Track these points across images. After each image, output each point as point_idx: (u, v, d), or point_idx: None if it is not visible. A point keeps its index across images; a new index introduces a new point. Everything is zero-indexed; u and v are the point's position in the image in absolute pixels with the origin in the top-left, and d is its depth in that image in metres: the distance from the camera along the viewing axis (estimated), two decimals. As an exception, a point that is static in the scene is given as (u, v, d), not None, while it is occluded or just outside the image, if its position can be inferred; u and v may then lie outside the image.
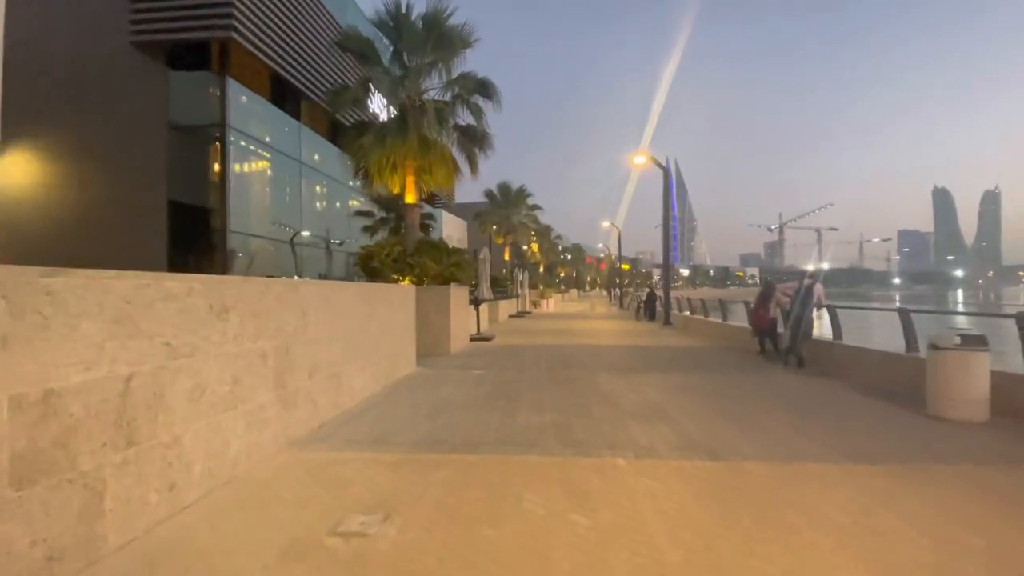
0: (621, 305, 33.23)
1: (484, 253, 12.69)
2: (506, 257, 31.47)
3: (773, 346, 9.04)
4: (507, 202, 30.83)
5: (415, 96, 11.01)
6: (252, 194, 14.06)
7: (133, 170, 11.29)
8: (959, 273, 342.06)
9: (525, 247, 46.47)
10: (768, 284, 9.63)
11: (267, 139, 14.86)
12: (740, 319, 12.90)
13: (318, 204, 19.10)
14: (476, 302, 12.83)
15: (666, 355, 9.79)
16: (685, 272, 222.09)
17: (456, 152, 11.99)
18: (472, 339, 12.26)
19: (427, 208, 29.40)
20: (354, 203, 24.37)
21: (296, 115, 17.83)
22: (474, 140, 11.98)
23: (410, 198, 11.19)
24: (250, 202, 14.08)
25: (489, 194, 30.83)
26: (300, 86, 17.28)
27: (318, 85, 17.91)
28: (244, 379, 3.61)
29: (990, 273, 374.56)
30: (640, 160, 16.36)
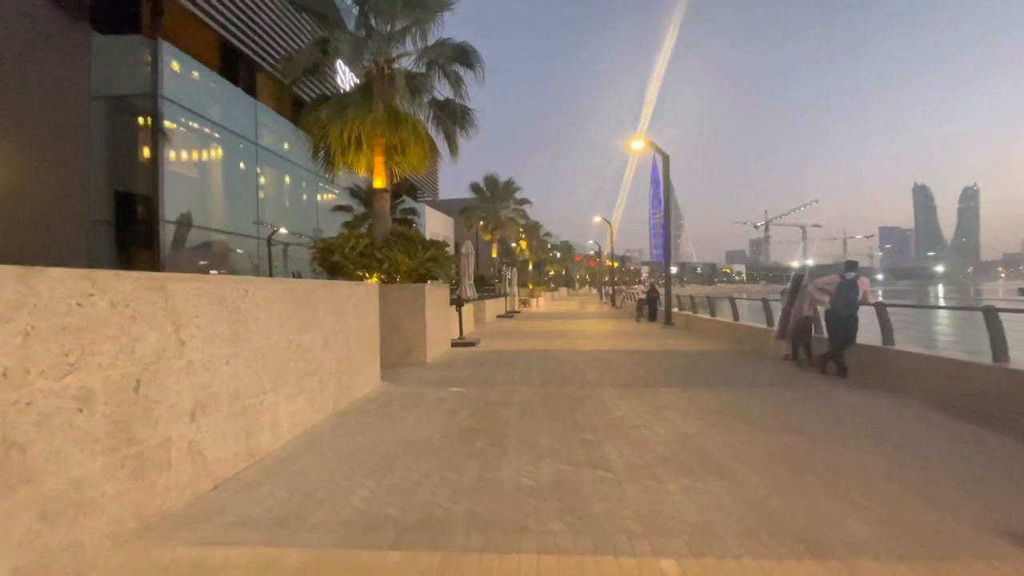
0: (614, 303, 31.96)
1: (467, 247, 11.20)
2: (494, 254, 30.00)
3: (806, 351, 7.70)
4: (494, 196, 29.32)
5: (383, 63, 9.47)
6: (196, 179, 12.11)
7: (50, 148, 9.58)
8: (940, 269, 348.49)
9: (514, 244, 45.07)
10: (798, 276, 8.26)
11: (213, 115, 12.93)
12: (751, 318, 11.64)
13: (285, 196, 16.95)
14: (459, 302, 11.36)
15: (679, 363, 8.42)
16: (673, 269, 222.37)
17: (433, 131, 10.48)
18: (454, 344, 10.79)
19: (409, 202, 27.88)
20: (330, 196, 22.64)
21: (251, 91, 16.21)
22: (453, 116, 10.49)
23: (379, 182, 9.67)
24: (193, 188, 12.13)
25: (475, 187, 29.27)
26: (253, 55, 15.24)
27: (274, 54, 16.00)
28: (34, 444, 2.12)
29: (969, 269, 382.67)
30: (638, 145, 15.00)
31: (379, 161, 9.74)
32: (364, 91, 9.44)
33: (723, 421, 4.60)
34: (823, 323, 7.31)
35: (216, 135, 12.68)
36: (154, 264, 11.43)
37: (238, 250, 12.53)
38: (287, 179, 16.64)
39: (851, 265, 7.06)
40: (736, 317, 11.54)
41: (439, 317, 9.57)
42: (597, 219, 35.15)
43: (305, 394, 4.50)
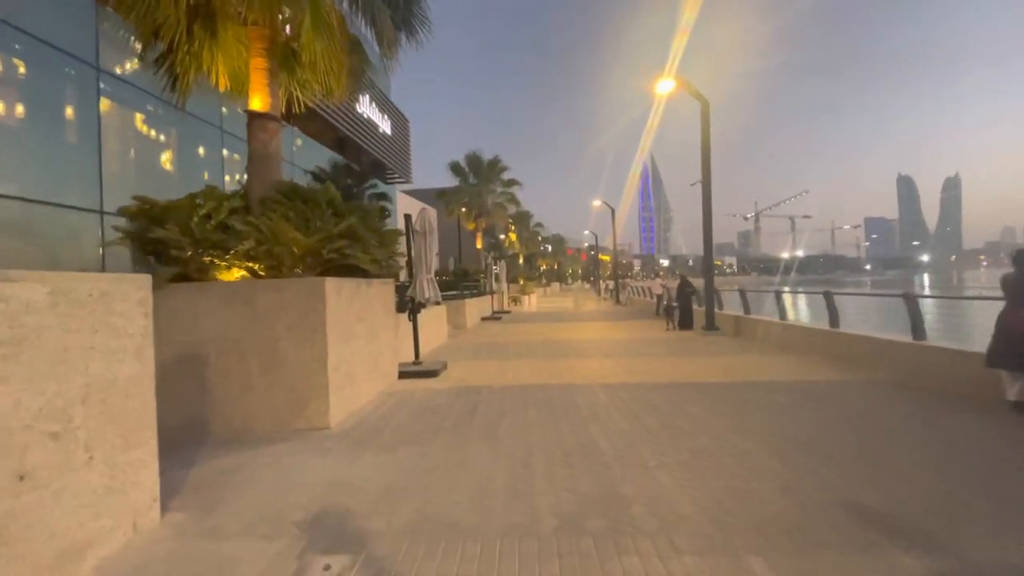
0: (618, 300, 28.03)
1: (424, 218, 7.09)
2: (478, 245, 25.84)
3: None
4: (479, 177, 25.12)
5: None
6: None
7: None
8: (925, 258, 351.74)
9: (502, 236, 40.92)
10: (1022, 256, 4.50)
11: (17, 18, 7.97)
12: (818, 317, 7.73)
13: (157, 151, 11.08)
14: (412, 308, 7.24)
15: (825, 428, 4.43)
16: (665, 262, 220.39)
17: (359, 26, 6.36)
18: (404, 374, 6.72)
19: (379, 185, 23.62)
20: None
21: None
22: (392, 4, 6.42)
23: (257, 101, 5.55)
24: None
25: (455, 167, 25.00)
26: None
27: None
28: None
29: (952, 257, 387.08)
30: (666, 87, 10.99)
31: (257, 66, 5.59)
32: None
33: None
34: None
35: (21, 46, 7.88)
36: None
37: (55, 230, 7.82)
38: (162, 128, 11.51)
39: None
40: (835, 322, 7.58)
41: (365, 336, 5.47)
42: (597, 203, 31.15)
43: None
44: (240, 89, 6.09)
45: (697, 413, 4.60)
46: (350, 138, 19.76)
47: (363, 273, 5.47)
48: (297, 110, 6.62)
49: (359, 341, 5.28)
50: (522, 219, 43.34)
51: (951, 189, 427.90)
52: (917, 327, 5.93)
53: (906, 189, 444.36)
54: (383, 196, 23.97)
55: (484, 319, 17.62)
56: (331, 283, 4.65)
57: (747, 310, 10.83)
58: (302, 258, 5.00)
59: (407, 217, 7.27)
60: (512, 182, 25.94)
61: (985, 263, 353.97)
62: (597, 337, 11.41)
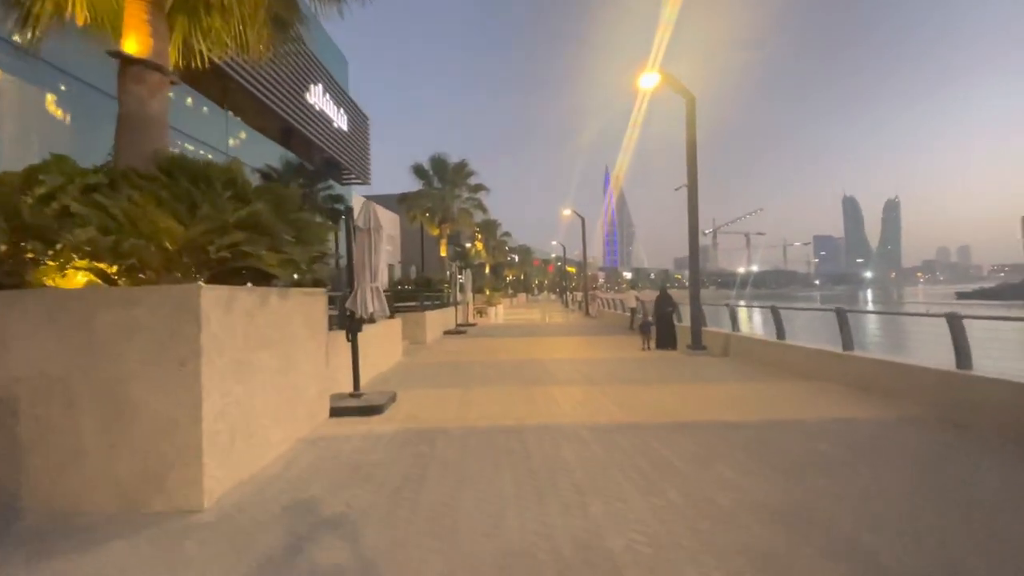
0: (587, 312, 27.08)
1: (367, 213, 5.64)
2: (442, 253, 24.31)
3: None
4: (444, 181, 23.69)
5: None
6: None
7: None
8: (869, 274, 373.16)
9: (468, 244, 39.54)
10: None
11: None
12: (826, 339, 6.82)
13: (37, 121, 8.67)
14: (351, 325, 5.76)
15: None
16: (628, 275, 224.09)
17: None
18: (336, 412, 5.23)
19: (335, 187, 21.89)
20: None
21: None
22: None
23: (134, 43, 4.00)
24: None
25: (418, 170, 23.44)
26: None
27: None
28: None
29: (892, 274, 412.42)
30: (650, 82, 10.01)
31: (135, -4, 4.08)
32: None
33: None
34: None
35: None
36: None
37: None
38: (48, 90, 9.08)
39: None
40: (849, 345, 6.61)
41: (274, 366, 4.00)
42: (567, 212, 30.30)
43: None
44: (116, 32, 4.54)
45: (732, 476, 3.38)
46: (300, 132, 18.02)
47: (272, 280, 4.01)
48: (198, 66, 5.09)
49: (263, 375, 3.79)
50: (489, 227, 42.11)
51: (891, 210, 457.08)
52: (962, 354, 4.97)
53: (851, 209, 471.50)
54: (339, 199, 22.25)
55: (447, 333, 16.14)
56: (212, 294, 3.18)
57: (735, 327, 9.88)
58: (177, 257, 3.50)
59: (346, 211, 5.83)
60: (479, 187, 24.65)
61: (922, 280, 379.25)
62: (573, 356, 10.17)
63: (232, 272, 3.83)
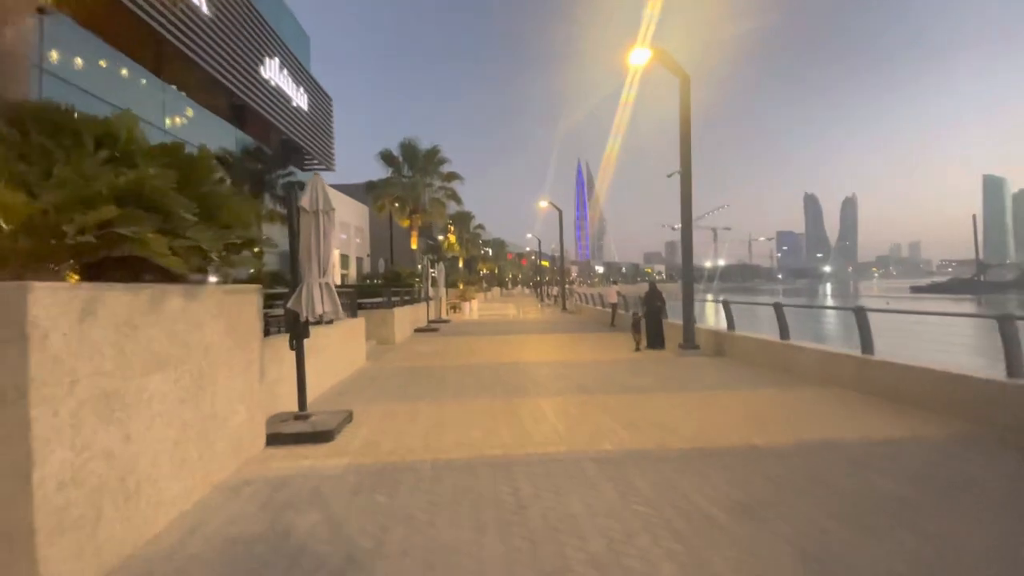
0: (564, 307, 26.32)
1: (315, 189, 4.56)
2: (413, 245, 23.06)
3: None
4: (415, 168, 22.37)
5: None
6: None
7: None
8: (828, 269, 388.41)
9: (441, 237, 38.22)
10: None
11: None
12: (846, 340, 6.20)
13: None
14: (296, 329, 4.67)
15: None
16: (600, 268, 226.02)
17: None
18: (276, 439, 4.17)
19: (296, 173, 20.39)
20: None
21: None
22: None
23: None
24: None
25: (386, 156, 22.02)
26: None
27: None
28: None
29: (850, 269, 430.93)
30: (640, 59, 9.16)
31: None
32: None
33: None
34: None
35: None
36: None
37: None
38: None
39: None
40: (869, 347, 5.94)
41: (175, 393, 2.92)
42: (544, 204, 29.42)
43: None
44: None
45: (793, 534, 2.52)
46: (256, 111, 16.44)
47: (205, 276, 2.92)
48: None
49: (155, 407, 2.72)
50: (463, 219, 40.85)
51: (849, 208, 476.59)
52: (1015, 361, 4.30)
53: (811, 206, 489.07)
54: (301, 186, 20.76)
55: (418, 331, 15.05)
56: (53, 296, 2.10)
57: (731, 325, 9.20)
58: (12, 241, 2.38)
59: (288, 187, 4.74)
60: (452, 175, 23.41)
61: (877, 274, 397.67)
62: (558, 358, 9.30)
63: (120, 265, 2.72)
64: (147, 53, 12.61)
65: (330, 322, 6.84)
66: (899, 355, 5.74)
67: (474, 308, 26.51)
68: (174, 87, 14.39)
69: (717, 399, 5.73)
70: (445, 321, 19.07)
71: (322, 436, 4.36)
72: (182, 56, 13.16)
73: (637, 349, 9.91)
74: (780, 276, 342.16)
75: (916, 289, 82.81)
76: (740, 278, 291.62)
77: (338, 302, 4.76)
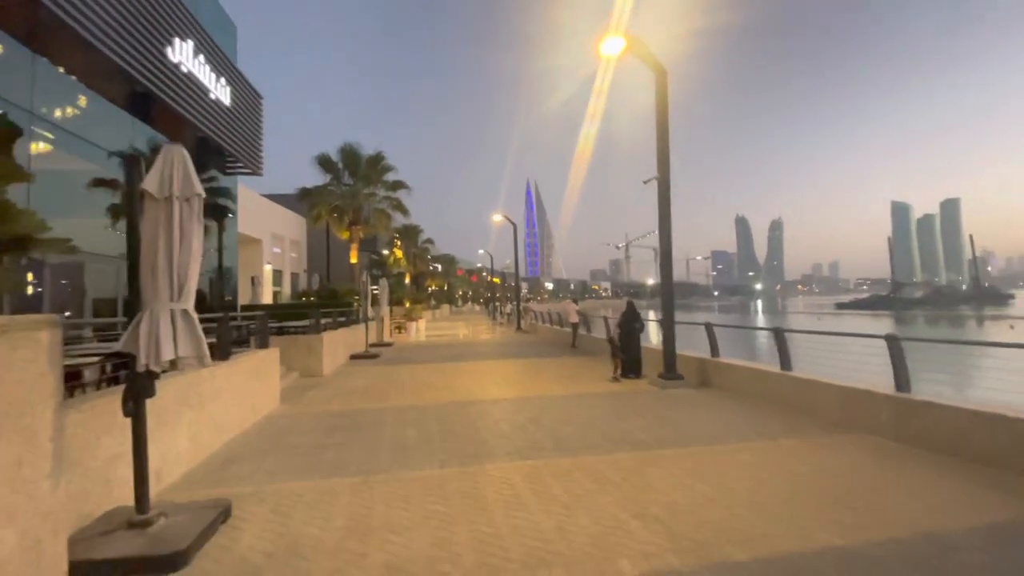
0: (519, 326, 24.87)
1: (171, 163, 2.94)
2: (353, 259, 20.91)
3: None
4: (355, 176, 20.36)
5: None
6: None
7: None
8: (759, 287, 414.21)
9: (386, 251, 35.95)
10: None
11: None
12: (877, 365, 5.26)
13: None
14: (134, 383, 2.93)
15: None
16: (550, 285, 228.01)
17: None
18: (79, 573, 2.37)
19: (219, 178, 17.97)
20: (83, 165, 11.73)
21: None
22: None
23: None
24: None
25: (325, 161, 19.85)
26: None
27: None
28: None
29: (778, 287, 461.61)
30: (612, 48, 8.09)
31: None
32: None
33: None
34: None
35: None
36: None
37: None
38: None
39: None
40: (904, 385, 4.90)
41: None
42: (498, 218, 28.10)
43: None
44: None
45: None
46: (164, 102, 14.03)
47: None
48: None
49: None
50: (410, 233, 38.77)
51: (776, 229, 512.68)
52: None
53: (743, 227, 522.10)
54: (223, 192, 18.30)
55: (355, 357, 13.07)
56: None
57: (715, 351, 8.11)
58: None
59: (128, 159, 3.04)
60: (399, 184, 21.56)
61: (802, 292, 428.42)
62: (522, 392, 7.79)
63: None
64: (16, 16, 10.13)
65: (155, 377, 4.99)
66: (943, 394, 4.73)
67: (421, 328, 24.56)
68: (57, 66, 11.82)
69: (736, 459, 4.43)
70: (388, 344, 17.08)
71: (164, 564, 2.62)
72: (56, 21, 10.74)
73: (615, 378, 8.61)
74: (716, 293, 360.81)
75: (840, 306, 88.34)
76: (680, 295, 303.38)
77: (202, 340, 3.04)
